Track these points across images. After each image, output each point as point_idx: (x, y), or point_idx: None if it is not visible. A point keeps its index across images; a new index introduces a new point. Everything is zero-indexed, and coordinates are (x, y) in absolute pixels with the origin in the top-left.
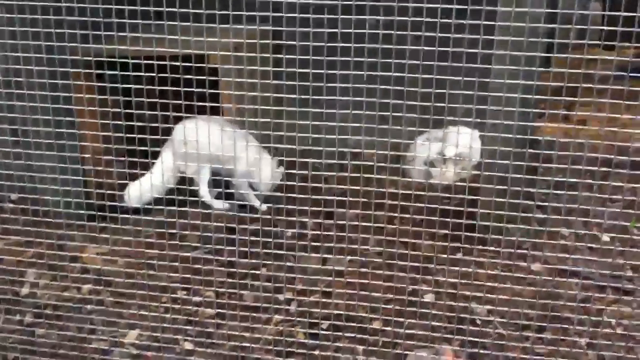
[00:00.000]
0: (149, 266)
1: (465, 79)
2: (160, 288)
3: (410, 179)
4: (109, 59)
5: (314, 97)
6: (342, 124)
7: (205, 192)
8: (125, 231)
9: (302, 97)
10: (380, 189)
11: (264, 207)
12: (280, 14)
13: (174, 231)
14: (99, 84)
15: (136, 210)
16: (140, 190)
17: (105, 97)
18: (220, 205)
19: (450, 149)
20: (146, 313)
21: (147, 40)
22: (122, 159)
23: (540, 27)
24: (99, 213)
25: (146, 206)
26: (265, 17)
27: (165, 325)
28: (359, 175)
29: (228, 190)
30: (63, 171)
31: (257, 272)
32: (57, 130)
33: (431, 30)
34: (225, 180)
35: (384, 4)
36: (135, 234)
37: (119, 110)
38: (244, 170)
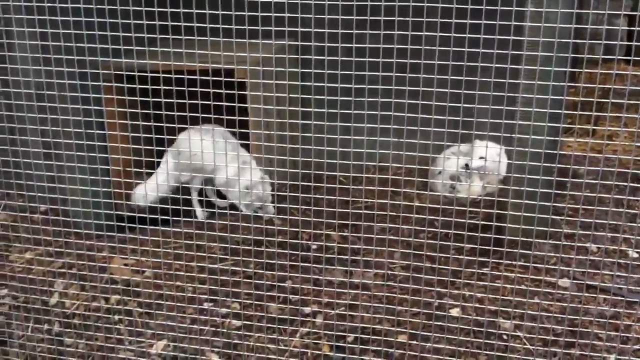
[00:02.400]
0: (176, 277)
1: (495, 93)
2: (187, 299)
3: (435, 193)
4: (139, 73)
5: (342, 110)
6: (370, 138)
7: (194, 200)
8: (153, 242)
9: (330, 111)
10: (407, 202)
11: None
12: (309, 29)
13: (201, 243)
14: (130, 98)
15: (154, 221)
16: (145, 190)
17: (135, 110)
18: (200, 213)
19: (476, 162)
20: (173, 324)
21: (176, 55)
22: (150, 171)
23: (570, 42)
24: (127, 224)
25: (176, 218)
26: (291, 32)
27: (191, 336)
28: (385, 188)
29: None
30: (93, 183)
31: (283, 284)
32: (87, 142)
33: (459, 45)
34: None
35: (412, 20)
36: (162, 246)
37: (149, 123)
38: (222, 181)
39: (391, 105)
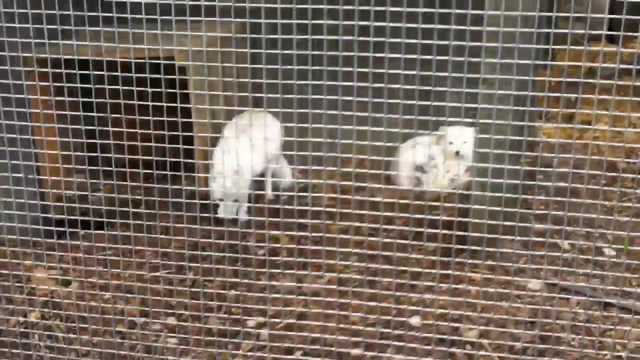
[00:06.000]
0: (103, 288)
1: (453, 74)
2: (117, 313)
3: (398, 187)
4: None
5: (299, 96)
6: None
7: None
8: (83, 249)
9: (286, 96)
10: (363, 198)
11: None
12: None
13: (140, 247)
14: (56, 84)
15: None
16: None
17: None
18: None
19: (452, 147)
20: (100, 339)
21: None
22: (83, 167)
23: (535, 15)
24: (56, 228)
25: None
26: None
27: (122, 352)
28: (347, 183)
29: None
30: (16, 182)
31: (224, 292)
32: (8, 135)
33: (414, 20)
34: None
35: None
36: (92, 253)
37: (78, 113)
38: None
39: (353, 89)
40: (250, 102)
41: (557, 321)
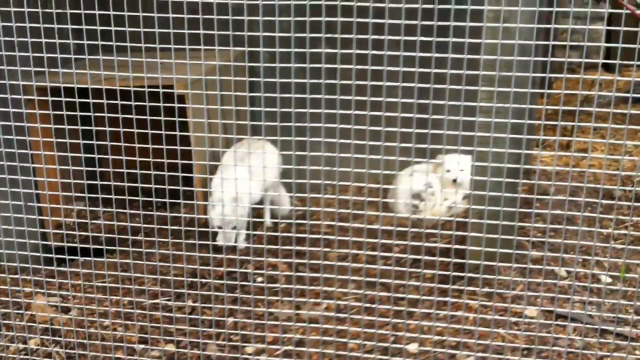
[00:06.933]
0: (103, 316)
1: (451, 102)
2: (116, 340)
3: (396, 214)
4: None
5: (297, 124)
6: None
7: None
8: (82, 276)
9: (284, 124)
10: (361, 225)
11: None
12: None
13: (139, 275)
14: (55, 112)
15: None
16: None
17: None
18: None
19: (450, 175)
20: None
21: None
22: (82, 195)
23: (532, 43)
24: (56, 256)
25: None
26: (237, 39)
27: None
28: (344, 211)
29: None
30: (16, 210)
31: (223, 318)
32: (9, 163)
33: (412, 48)
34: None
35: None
36: (91, 280)
37: (77, 141)
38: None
39: (351, 117)
40: (248, 130)
41: (554, 348)
